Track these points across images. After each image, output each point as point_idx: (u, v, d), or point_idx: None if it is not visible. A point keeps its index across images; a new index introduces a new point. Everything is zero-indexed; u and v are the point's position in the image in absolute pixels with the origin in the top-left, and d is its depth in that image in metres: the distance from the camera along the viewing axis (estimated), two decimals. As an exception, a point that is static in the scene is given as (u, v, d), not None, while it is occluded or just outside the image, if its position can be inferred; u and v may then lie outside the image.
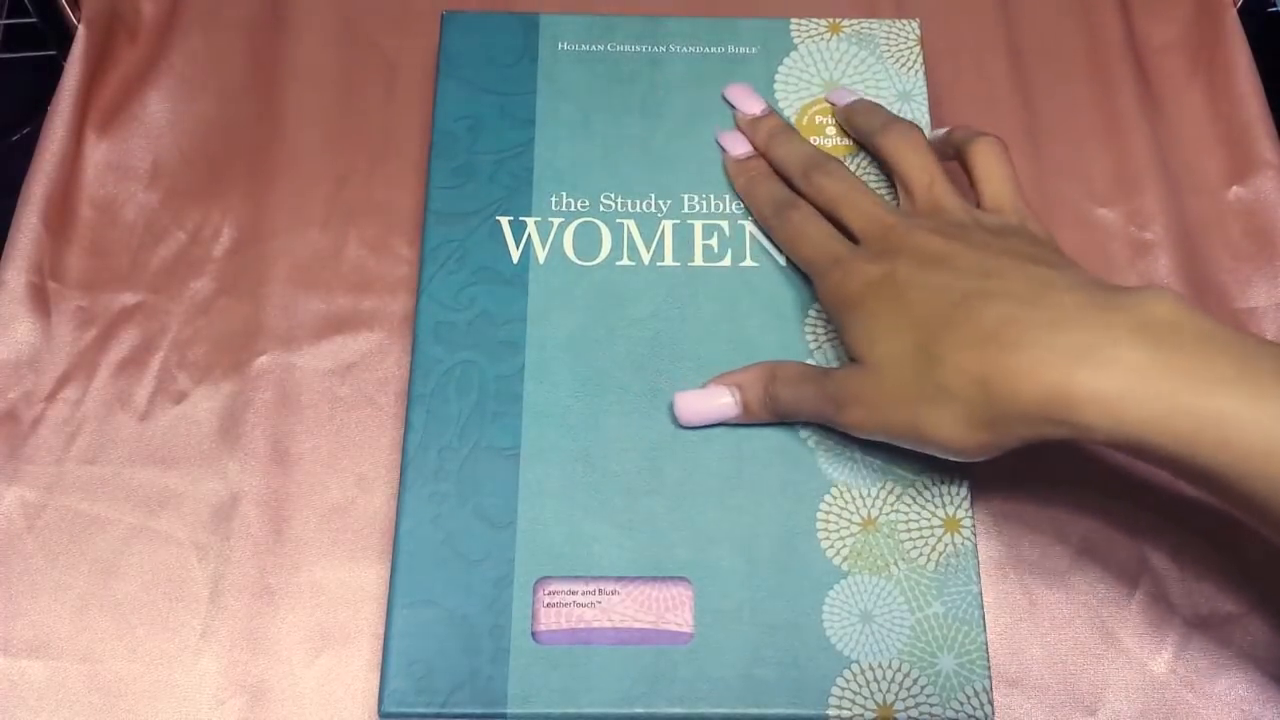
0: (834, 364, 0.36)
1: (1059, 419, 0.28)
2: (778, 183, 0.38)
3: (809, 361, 0.36)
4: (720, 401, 0.35)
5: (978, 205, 0.35)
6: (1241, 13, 0.47)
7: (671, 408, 0.35)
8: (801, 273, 0.37)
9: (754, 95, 0.40)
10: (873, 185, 0.39)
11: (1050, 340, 0.28)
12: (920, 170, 0.35)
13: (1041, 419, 0.28)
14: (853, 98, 0.40)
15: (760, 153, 0.39)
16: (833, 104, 0.40)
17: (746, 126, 0.39)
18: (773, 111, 0.40)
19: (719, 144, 0.39)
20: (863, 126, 0.38)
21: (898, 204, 0.36)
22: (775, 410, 0.35)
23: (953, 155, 0.37)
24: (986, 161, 0.35)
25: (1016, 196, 0.35)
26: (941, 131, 0.38)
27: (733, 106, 0.40)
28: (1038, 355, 0.28)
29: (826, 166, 0.36)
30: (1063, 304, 0.29)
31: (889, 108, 0.40)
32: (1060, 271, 0.31)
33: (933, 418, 0.30)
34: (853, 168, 0.39)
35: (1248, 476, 0.26)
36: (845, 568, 0.34)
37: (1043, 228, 0.34)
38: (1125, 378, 0.27)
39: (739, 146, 0.39)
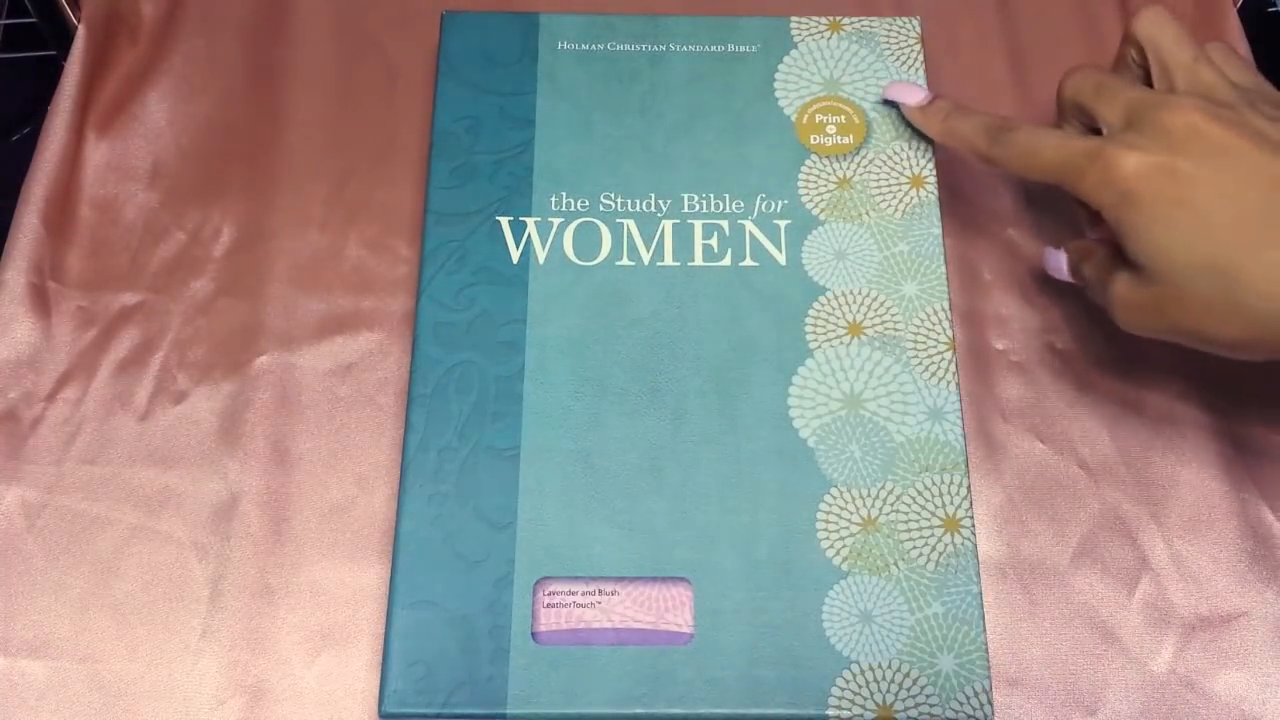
0: (838, 360, 0.36)
1: None
2: (978, 112, 0.37)
3: (809, 362, 0.36)
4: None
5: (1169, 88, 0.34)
6: (1241, 13, 0.47)
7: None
8: (801, 272, 0.37)
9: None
10: (884, 183, 0.39)
11: None
12: (1180, 47, 0.34)
13: None
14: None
15: (941, 140, 0.38)
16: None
17: (919, 118, 0.39)
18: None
19: (890, 100, 0.40)
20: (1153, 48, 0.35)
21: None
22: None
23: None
24: (1164, 37, 0.34)
25: (1240, 59, 0.34)
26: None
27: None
28: None
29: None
30: None
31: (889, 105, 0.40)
32: None
33: (1224, 327, 0.31)
34: (862, 162, 0.39)
35: None
36: (845, 568, 0.34)
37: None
38: None
39: (915, 94, 0.39)
